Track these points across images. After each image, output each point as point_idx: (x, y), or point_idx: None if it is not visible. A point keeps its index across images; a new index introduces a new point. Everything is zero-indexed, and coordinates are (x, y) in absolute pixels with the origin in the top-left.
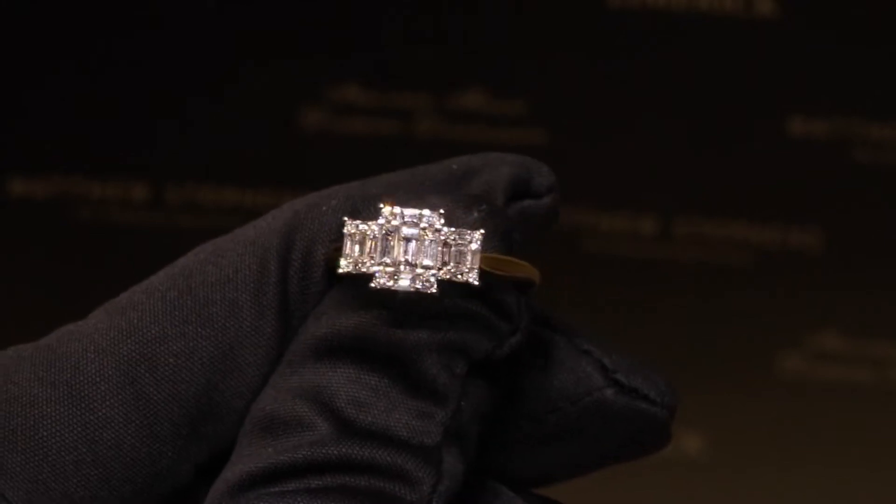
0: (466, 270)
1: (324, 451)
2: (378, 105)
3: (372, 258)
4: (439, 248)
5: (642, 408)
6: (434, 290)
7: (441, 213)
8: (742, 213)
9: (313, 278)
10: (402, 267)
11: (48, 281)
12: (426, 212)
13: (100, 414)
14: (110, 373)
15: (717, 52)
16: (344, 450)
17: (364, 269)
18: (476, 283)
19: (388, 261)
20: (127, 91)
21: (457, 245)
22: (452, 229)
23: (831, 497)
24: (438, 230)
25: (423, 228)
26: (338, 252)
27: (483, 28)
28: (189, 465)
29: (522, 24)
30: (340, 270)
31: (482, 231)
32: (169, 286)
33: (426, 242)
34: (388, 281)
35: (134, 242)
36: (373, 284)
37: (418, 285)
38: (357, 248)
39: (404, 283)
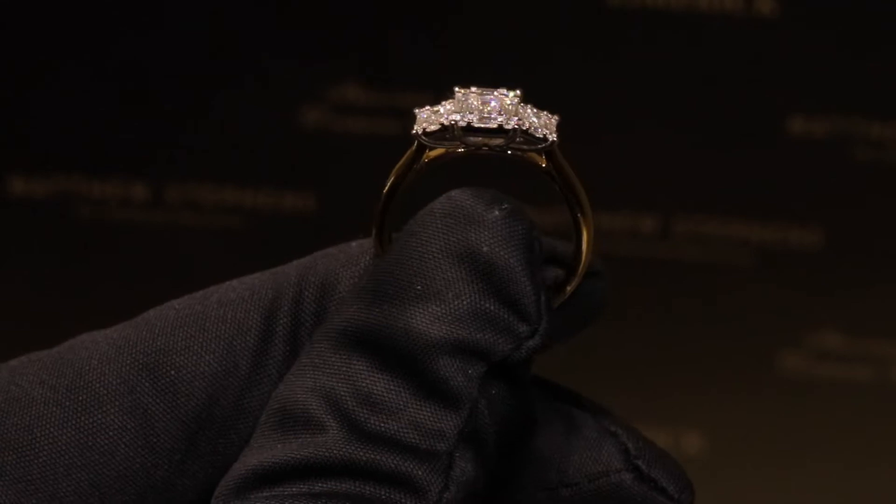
0: (545, 129)
1: (330, 453)
2: (378, 105)
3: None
4: (517, 108)
5: (658, 500)
6: (509, 127)
7: (517, 94)
8: (742, 213)
9: (332, 298)
10: (486, 113)
11: (48, 280)
12: (501, 89)
13: (95, 419)
14: (110, 380)
15: (716, 52)
16: (350, 454)
17: (443, 121)
18: (555, 139)
19: (469, 111)
20: (127, 91)
21: (532, 113)
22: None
23: (831, 497)
24: (513, 101)
25: (499, 97)
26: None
27: (483, 28)
28: (188, 482)
29: (522, 24)
30: (415, 129)
31: (558, 118)
32: (185, 305)
33: (504, 105)
34: (474, 121)
35: (134, 242)
36: (451, 121)
37: (501, 121)
38: (429, 113)
39: (489, 123)
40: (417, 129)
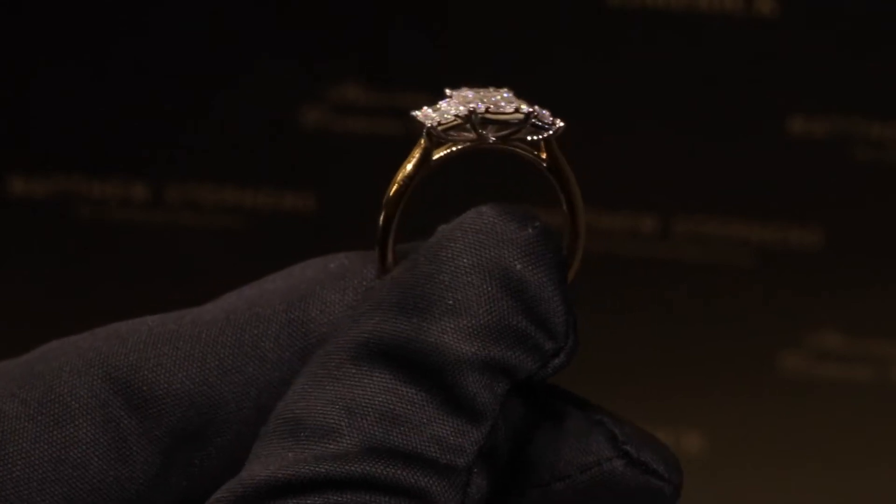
0: (550, 117)
1: (347, 467)
2: (378, 105)
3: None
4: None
5: (650, 482)
6: (525, 111)
7: (507, 91)
8: (742, 213)
9: (321, 320)
10: (494, 102)
11: (48, 280)
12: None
13: (67, 433)
14: (82, 393)
15: (716, 52)
16: (368, 467)
17: (459, 111)
18: (562, 124)
19: (474, 102)
20: (127, 91)
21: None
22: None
23: (831, 497)
24: (509, 94)
25: (497, 92)
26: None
27: (483, 28)
28: (164, 495)
29: (522, 24)
30: (430, 124)
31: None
32: (159, 322)
33: (506, 97)
34: (492, 108)
35: (134, 242)
36: (470, 109)
37: (514, 107)
38: (432, 111)
39: (506, 109)
40: (432, 123)
